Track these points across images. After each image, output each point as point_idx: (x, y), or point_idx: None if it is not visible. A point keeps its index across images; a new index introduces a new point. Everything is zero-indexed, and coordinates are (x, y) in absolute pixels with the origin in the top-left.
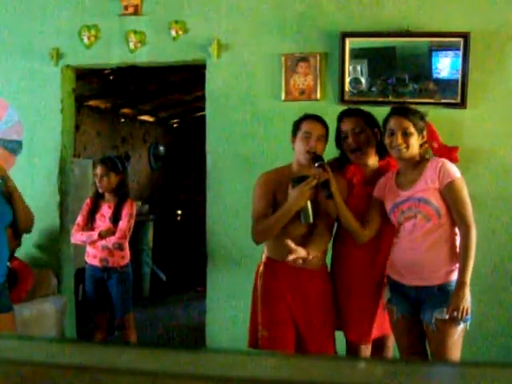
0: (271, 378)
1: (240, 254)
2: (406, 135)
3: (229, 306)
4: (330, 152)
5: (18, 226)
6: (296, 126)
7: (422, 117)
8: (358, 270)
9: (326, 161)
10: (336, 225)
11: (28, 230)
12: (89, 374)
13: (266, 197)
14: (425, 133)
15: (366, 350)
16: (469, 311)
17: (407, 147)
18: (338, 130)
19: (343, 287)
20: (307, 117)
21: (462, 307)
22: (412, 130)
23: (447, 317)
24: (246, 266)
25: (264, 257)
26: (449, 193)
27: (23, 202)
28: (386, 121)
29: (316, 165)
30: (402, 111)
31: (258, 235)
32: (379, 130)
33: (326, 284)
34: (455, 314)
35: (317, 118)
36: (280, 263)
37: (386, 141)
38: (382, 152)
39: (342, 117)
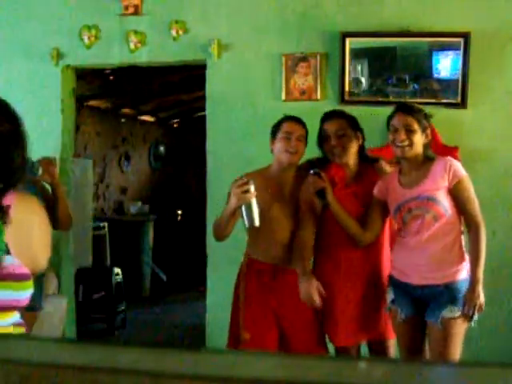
0: (271, 378)
1: (240, 254)
2: (410, 132)
3: (229, 306)
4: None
5: (58, 225)
6: (276, 128)
7: (427, 116)
8: (343, 270)
9: (306, 159)
10: (320, 224)
11: (66, 228)
12: (89, 374)
13: None
14: (428, 132)
15: (352, 353)
16: (483, 307)
17: (410, 145)
18: (320, 131)
19: (328, 288)
20: (287, 118)
21: (478, 304)
22: (415, 127)
23: (458, 314)
24: None
25: (246, 257)
26: (459, 191)
27: (66, 204)
28: (389, 118)
29: (311, 172)
30: (406, 108)
31: (214, 232)
32: (362, 133)
33: None
34: (471, 311)
35: (296, 120)
36: (262, 263)
37: (390, 137)
38: (363, 155)
39: (325, 118)
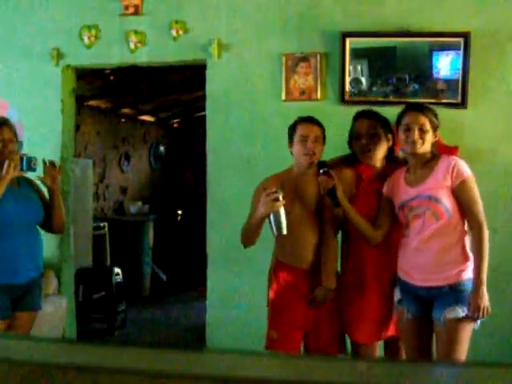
0: (271, 378)
1: (240, 254)
2: (422, 132)
3: (229, 306)
4: (332, 152)
5: (52, 227)
6: (292, 130)
7: (436, 115)
8: (367, 269)
9: (336, 156)
10: (344, 225)
11: (60, 232)
12: (89, 374)
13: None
14: (437, 132)
15: (373, 350)
16: (489, 309)
17: (422, 144)
18: (352, 129)
19: (352, 287)
20: (302, 120)
21: (482, 306)
22: (428, 127)
23: (462, 315)
24: (246, 266)
25: (273, 259)
26: (461, 191)
27: (61, 207)
28: (400, 116)
29: (321, 171)
30: (418, 107)
31: (242, 239)
32: (393, 135)
33: None
34: (476, 314)
35: (311, 120)
36: (288, 266)
37: (401, 136)
38: (392, 157)
39: (357, 117)
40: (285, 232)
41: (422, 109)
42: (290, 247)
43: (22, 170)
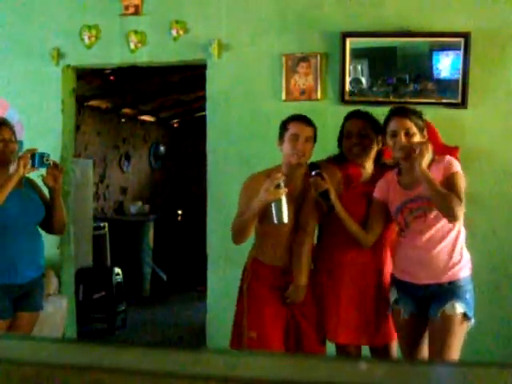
0: (271, 378)
1: (240, 254)
2: (409, 136)
3: (229, 306)
4: (332, 152)
5: (52, 228)
6: (283, 127)
7: (421, 116)
8: (348, 270)
9: (326, 157)
10: (326, 224)
11: (60, 233)
12: (89, 374)
13: (250, 199)
14: (425, 132)
15: (354, 351)
16: (416, 154)
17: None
18: (342, 128)
19: (328, 287)
20: (294, 118)
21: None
22: (414, 130)
23: (461, 311)
24: None
25: (251, 258)
26: (448, 181)
27: (62, 208)
28: (386, 122)
29: (313, 173)
30: (402, 111)
31: (233, 234)
32: (383, 137)
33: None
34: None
35: (304, 119)
36: (265, 265)
37: (389, 142)
38: (380, 160)
39: (349, 117)
40: (285, 220)
41: (405, 112)
42: (270, 246)
43: (33, 166)
